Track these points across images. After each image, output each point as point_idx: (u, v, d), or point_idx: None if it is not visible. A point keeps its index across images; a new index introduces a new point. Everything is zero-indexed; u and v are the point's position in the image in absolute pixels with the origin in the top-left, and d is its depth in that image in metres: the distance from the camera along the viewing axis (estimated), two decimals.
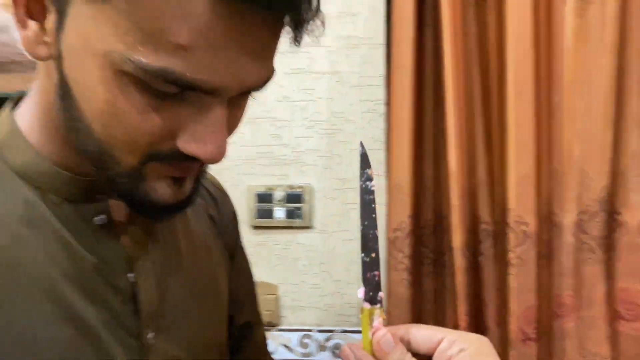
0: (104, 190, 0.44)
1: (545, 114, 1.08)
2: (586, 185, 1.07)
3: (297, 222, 1.26)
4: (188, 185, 0.43)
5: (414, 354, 0.39)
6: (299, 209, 1.27)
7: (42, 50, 0.38)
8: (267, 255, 1.30)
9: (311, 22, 0.37)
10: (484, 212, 1.12)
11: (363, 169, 0.44)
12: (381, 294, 0.42)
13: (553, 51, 1.09)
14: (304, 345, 1.28)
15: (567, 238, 1.07)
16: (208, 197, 0.61)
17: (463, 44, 1.10)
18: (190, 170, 0.41)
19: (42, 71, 0.42)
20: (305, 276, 1.30)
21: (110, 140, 0.37)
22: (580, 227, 1.08)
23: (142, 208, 0.42)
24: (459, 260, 1.08)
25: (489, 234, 1.10)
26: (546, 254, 1.08)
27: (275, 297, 1.29)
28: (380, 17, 1.24)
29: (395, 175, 1.12)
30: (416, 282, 1.17)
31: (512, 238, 1.04)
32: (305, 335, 1.29)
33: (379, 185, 1.23)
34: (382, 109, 1.24)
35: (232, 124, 0.41)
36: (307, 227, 1.28)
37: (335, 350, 1.29)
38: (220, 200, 0.63)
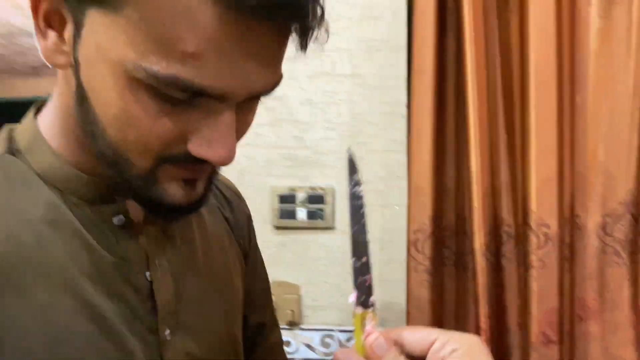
0: (121, 192, 0.45)
1: (568, 116, 1.08)
2: (611, 187, 1.06)
3: (318, 222, 1.28)
4: (200, 187, 0.44)
5: (408, 356, 0.39)
6: (320, 209, 1.28)
7: (61, 59, 0.40)
8: (289, 256, 1.32)
9: (316, 29, 0.38)
10: (506, 214, 1.12)
11: (351, 175, 0.44)
12: (373, 298, 0.42)
13: (577, 53, 1.09)
14: (326, 345, 1.30)
15: (591, 241, 1.07)
16: (223, 199, 0.63)
17: (485, 47, 1.11)
18: (201, 172, 0.43)
19: (61, 79, 0.44)
20: (326, 276, 1.31)
21: (125, 144, 0.39)
22: (605, 230, 1.07)
23: (156, 209, 0.44)
24: (480, 262, 1.08)
25: (511, 236, 1.10)
26: (569, 256, 1.07)
27: (297, 296, 1.30)
28: (402, 21, 1.25)
29: (415, 177, 1.12)
30: (437, 283, 1.17)
31: (533, 240, 1.04)
32: (327, 334, 1.30)
33: (400, 187, 1.24)
34: (403, 111, 1.25)
35: (241, 128, 0.42)
36: (329, 228, 1.30)
37: None
38: (234, 203, 0.64)
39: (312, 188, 1.29)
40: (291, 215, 1.29)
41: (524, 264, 1.08)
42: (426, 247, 1.12)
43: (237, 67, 0.36)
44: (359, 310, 0.42)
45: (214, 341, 0.53)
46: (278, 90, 1.48)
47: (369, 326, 0.41)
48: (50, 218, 0.43)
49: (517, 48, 1.10)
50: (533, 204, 1.04)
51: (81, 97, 0.40)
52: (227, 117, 0.39)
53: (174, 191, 0.42)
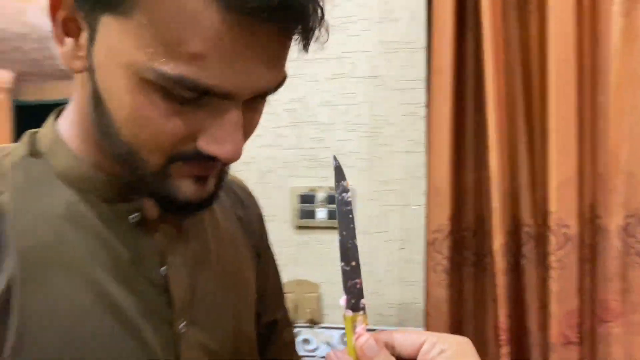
0: (137, 191, 0.47)
1: (589, 116, 1.07)
2: (633, 188, 1.05)
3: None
4: (210, 184, 0.46)
5: (398, 358, 0.40)
6: None
7: (77, 64, 0.43)
8: (309, 255, 1.34)
9: (317, 30, 0.40)
10: (526, 215, 1.11)
11: (338, 182, 0.45)
12: (364, 301, 0.43)
13: (598, 52, 1.08)
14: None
15: (613, 242, 1.06)
16: (235, 198, 0.64)
17: (504, 47, 1.10)
18: (211, 169, 0.45)
19: (78, 84, 0.46)
20: None
21: (138, 143, 0.41)
22: (627, 231, 1.06)
23: (169, 205, 0.46)
24: (500, 263, 1.08)
25: (530, 236, 1.10)
26: (590, 257, 1.06)
27: (317, 295, 1.32)
28: (421, 22, 1.26)
29: (434, 178, 1.13)
30: (457, 284, 1.17)
31: (553, 241, 1.03)
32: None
33: (420, 187, 1.25)
34: (422, 111, 1.26)
35: (248, 127, 0.44)
36: None
37: None
38: (246, 202, 0.66)
39: (332, 188, 1.31)
40: (311, 215, 1.31)
41: (543, 265, 1.07)
42: (445, 248, 1.12)
43: (240, 67, 0.38)
44: (349, 313, 0.42)
45: (228, 335, 0.54)
46: (298, 92, 1.51)
47: (359, 328, 0.41)
48: (70, 216, 0.46)
49: (537, 47, 1.10)
50: (552, 205, 1.03)
51: (96, 100, 0.42)
52: (234, 116, 0.40)
53: (185, 188, 0.44)
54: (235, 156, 0.42)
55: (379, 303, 1.32)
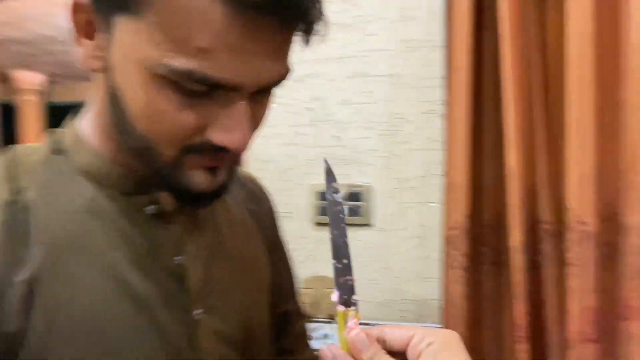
0: (153, 184, 0.50)
1: (609, 112, 1.06)
2: None
3: (357, 219, 1.32)
4: (222, 175, 0.48)
5: (389, 352, 0.41)
6: (358, 207, 1.32)
7: (96, 64, 0.46)
8: (328, 251, 1.36)
9: (318, 25, 0.42)
10: (544, 212, 1.11)
11: (329, 183, 0.46)
12: (355, 297, 0.44)
13: (619, 47, 1.07)
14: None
15: (634, 239, 1.04)
16: (248, 193, 0.67)
17: (522, 44, 1.10)
18: (221, 160, 0.47)
19: (96, 84, 0.49)
20: (365, 272, 1.35)
21: (152, 136, 0.44)
22: None
23: (183, 196, 0.48)
24: (517, 260, 1.08)
25: (548, 233, 1.10)
26: (609, 255, 1.06)
27: None
28: (439, 20, 1.27)
29: (451, 175, 1.14)
30: (475, 280, 1.18)
31: (571, 238, 1.03)
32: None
33: (438, 184, 1.26)
34: (441, 109, 1.26)
35: (256, 119, 0.46)
36: (367, 225, 1.33)
37: None
38: (259, 197, 0.69)
39: (351, 186, 1.33)
40: None
41: (561, 262, 1.07)
42: (461, 244, 1.13)
43: (245, 60, 0.41)
44: (342, 308, 0.44)
45: (242, 322, 0.56)
46: (317, 92, 1.54)
47: (351, 323, 0.43)
48: (91, 209, 0.49)
49: (555, 43, 1.10)
50: (570, 202, 1.03)
51: (113, 97, 0.45)
52: (241, 107, 0.43)
53: (198, 179, 0.46)
54: (243, 145, 0.44)
55: (397, 299, 1.34)
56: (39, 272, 0.45)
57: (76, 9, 0.44)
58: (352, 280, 0.44)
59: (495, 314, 1.18)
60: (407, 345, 0.40)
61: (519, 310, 1.08)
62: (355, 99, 1.34)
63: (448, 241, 1.14)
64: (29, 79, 4.66)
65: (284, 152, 1.38)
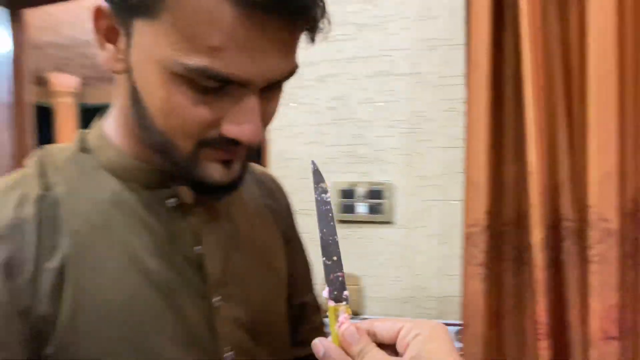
0: (173, 178, 0.53)
1: (631, 109, 1.05)
2: None
3: (378, 217, 1.33)
4: (236, 168, 0.51)
5: (379, 345, 0.42)
6: (380, 204, 1.33)
7: (118, 66, 0.49)
8: (350, 248, 1.38)
9: (321, 22, 0.46)
10: (566, 209, 1.10)
11: (317, 183, 0.48)
12: (346, 293, 0.45)
13: None
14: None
15: None
16: (265, 189, 0.70)
17: (542, 41, 1.10)
18: (235, 153, 0.50)
19: (118, 85, 0.53)
20: (386, 269, 1.36)
21: (170, 130, 0.47)
22: None
23: (201, 188, 0.52)
24: (539, 257, 1.08)
25: (570, 230, 1.09)
26: (632, 252, 1.04)
27: (358, 287, 1.36)
28: (460, 18, 1.27)
29: (471, 172, 1.14)
30: (496, 278, 1.18)
31: (593, 235, 1.02)
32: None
33: (459, 182, 1.26)
34: (462, 107, 1.27)
35: (267, 114, 0.49)
36: (388, 222, 1.35)
37: None
38: (276, 193, 0.72)
39: (372, 183, 1.35)
40: (351, 209, 1.35)
41: (583, 259, 1.06)
42: (481, 241, 1.13)
43: (254, 57, 0.44)
44: (332, 303, 0.45)
45: (259, 310, 0.59)
46: (339, 91, 1.57)
47: (341, 317, 0.44)
48: (115, 202, 0.52)
49: (577, 41, 1.09)
50: (592, 199, 1.02)
51: (134, 97, 0.49)
52: (252, 101, 0.46)
53: (213, 171, 0.50)
54: (254, 137, 0.47)
55: (420, 296, 1.35)
56: (68, 260, 0.48)
57: (98, 15, 0.48)
58: (342, 276, 0.46)
59: (516, 311, 1.18)
60: (396, 337, 0.42)
61: (540, 307, 1.08)
62: (376, 97, 1.36)
63: (468, 238, 1.15)
64: (64, 82, 4.83)
65: (306, 151, 1.41)
